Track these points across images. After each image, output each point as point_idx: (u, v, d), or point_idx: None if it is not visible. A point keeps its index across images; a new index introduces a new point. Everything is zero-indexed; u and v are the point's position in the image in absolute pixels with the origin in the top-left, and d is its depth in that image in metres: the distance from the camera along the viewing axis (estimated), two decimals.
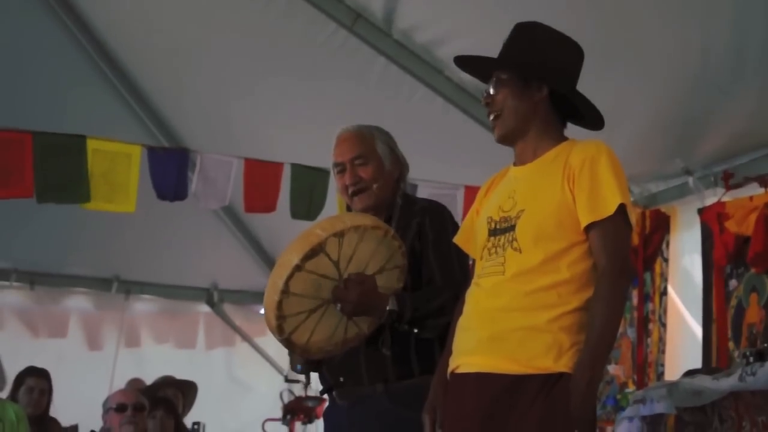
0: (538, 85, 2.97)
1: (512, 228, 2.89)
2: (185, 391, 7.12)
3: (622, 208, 2.81)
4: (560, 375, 2.74)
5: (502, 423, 2.77)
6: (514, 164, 3.07)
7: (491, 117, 3.03)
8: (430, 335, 3.38)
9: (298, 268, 3.14)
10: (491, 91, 3.02)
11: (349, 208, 3.70)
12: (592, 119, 3.07)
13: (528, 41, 3.02)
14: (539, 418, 2.72)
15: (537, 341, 2.78)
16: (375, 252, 3.29)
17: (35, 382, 6.16)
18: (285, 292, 3.15)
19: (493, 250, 2.93)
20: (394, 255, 3.34)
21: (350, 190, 3.57)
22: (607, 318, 2.74)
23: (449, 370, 2.96)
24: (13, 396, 6.07)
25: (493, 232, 2.95)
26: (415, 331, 3.36)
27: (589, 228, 2.82)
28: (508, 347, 2.81)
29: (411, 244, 3.45)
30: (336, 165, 3.61)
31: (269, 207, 6.27)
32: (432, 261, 3.45)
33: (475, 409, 2.82)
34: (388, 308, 3.31)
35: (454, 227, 3.49)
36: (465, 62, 3.19)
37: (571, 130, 3.10)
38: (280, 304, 3.17)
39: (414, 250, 3.45)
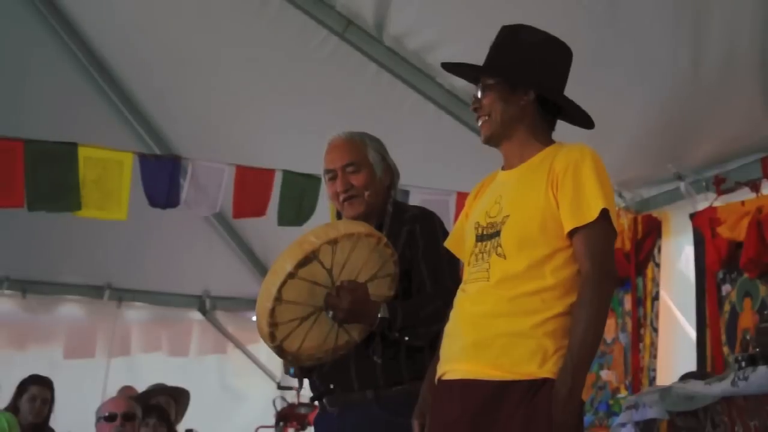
0: (524, 89, 2.98)
1: (497, 234, 2.89)
2: (177, 398, 7.10)
3: (605, 213, 2.79)
4: (544, 381, 2.73)
5: (487, 429, 2.76)
6: (503, 168, 3.07)
7: (479, 121, 3.04)
8: (420, 343, 3.38)
9: (291, 275, 3.15)
10: (479, 95, 3.02)
11: (339, 215, 3.70)
12: (580, 120, 3.07)
13: (513, 44, 3.02)
14: (522, 424, 2.71)
15: (521, 347, 2.77)
16: (367, 260, 3.30)
17: (38, 391, 6.14)
18: (278, 299, 3.16)
19: (479, 256, 2.93)
20: (386, 263, 3.35)
21: (341, 197, 3.56)
22: (590, 323, 2.72)
23: (437, 376, 2.96)
24: (15, 403, 6.05)
25: (480, 238, 2.96)
26: (406, 339, 3.36)
27: (572, 233, 2.82)
28: (491, 354, 2.80)
29: (401, 251, 3.45)
30: (327, 171, 3.61)
31: (258, 211, 6.26)
32: (422, 269, 3.45)
33: (461, 416, 2.81)
34: (379, 316, 3.31)
35: (445, 234, 3.49)
36: (454, 67, 3.19)
37: (565, 132, 3.10)
38: (272, 312, 3.18)
39: (404, 258, 3.45)
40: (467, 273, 2.99)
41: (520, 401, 2.72)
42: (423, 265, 3.45)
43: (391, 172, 3.63)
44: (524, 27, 3.04)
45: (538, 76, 2.98)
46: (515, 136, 3.00)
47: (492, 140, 3.04)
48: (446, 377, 2.91)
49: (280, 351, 3.31)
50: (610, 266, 2.83)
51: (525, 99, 2.98)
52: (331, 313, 3.28)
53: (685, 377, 4.74)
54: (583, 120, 3.06)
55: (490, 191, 3.05)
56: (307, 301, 3.25)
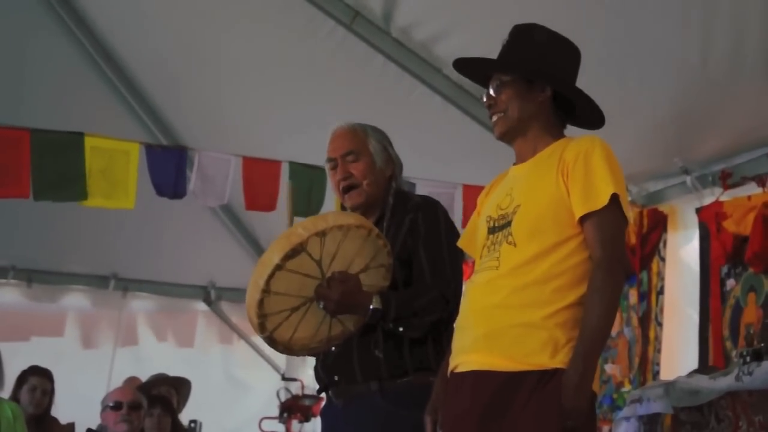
0: (541, 87, 2.99)
1: (509, 224, 2.91)
2: (179, 387, 7.13)
3: (615, 199, 2.81)
4: (555, 371, 2.74)
5: (499, 420, 2.77)
6: (515, 164, 3.08)
7: (494, 118, 3.04)
8: (415, 334, 3.38)
9: (278, 267, 3.15)
10: (492, 93, 3.03)
11: (344, 207, 3.72)
12: (591, 118, 3.07)
13: (528, 43, 3.04)
14: (535, 414, 2.72)
15: (532, 338, 2.78)
16: (360, 250, 3.30)
17: (38, 382, 6.15)
18: (266, 291, 3.17)
19: (491, 248, 2.95)
20: (379, 254, 3.34)
21: (341, 186, 3.59)
22: (602, 309, 2.74)
23: (450, 369, 2.97)
24: (15, 395, 6.06)
25: (492, 230, 2.97)
26: (401, 329, 3.36)
27: (583, 219, 2.83)
28: (503, 344, 2.81)
29: (404, 239, 3.46)
30: (329, 161, 3.65)
31: (270, 206, 6.27)
32: (422, 257, 3.45)
33: (473, 407, 2.82)
34: (372, 307, 3.31)
35: (447, 223, 3.51)
36: (466, 63, 3.19)
37: (572, 127, 3.11)
38: (261, 303, 3.19)
39: (406, 246, 3.46)
40: (478, 265, 3.00)
41: (532, 391, 2.74)
42: (423, 253, 3.45)
43: (393, 163, 3.65)
44: (537, 26, 3.06)
45: (554, 73, 3.00)
46: (530, 133, 3.02)
47: (506, 136, 3.06)
48: (458, 369, 2.92)
49: (271, 341, 3.32)
50: (621, 252, 2.85)
51: (542, 96, 3.00)
52: (322, 303, 3.28)
53: (693, 374, 4.74)
54: (593, 119, 3.07)
55: (502, 186, 3.07)
56: (297, 292, 3.25)
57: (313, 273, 3.25)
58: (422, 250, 3.46)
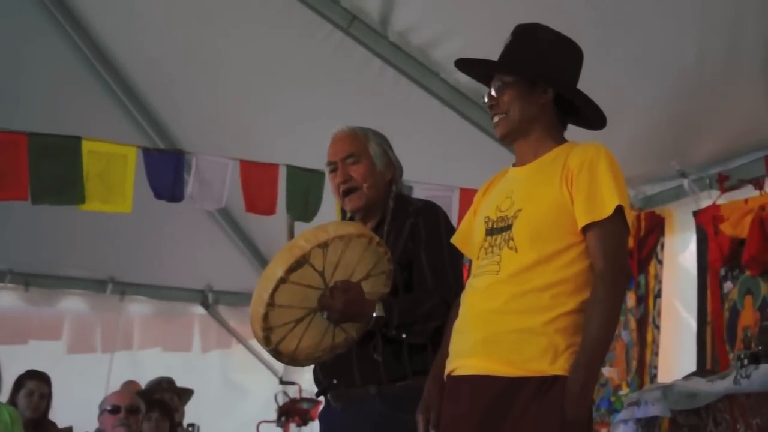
0: (543, 88, 2.98)
1: (509, 227, 2.89)
2: (180, 394, 7.12)
3: (619, 210, 2.80)
4: (555, 378, 2.74)
5: (497, 426, 2.76)
6: (514, 165, 3.07)
7: (495, 119, 3.03)
8: (418, 340, 3.38)
9: (282, 280, 3.16)
10: (494, 94, 3.02)
11: (344, 212, 3.72)
12: (593, 119, 3.07)
13: (531, 43, 3.02)
14: (534, 421, 2.71)
15: (532, 344, 2.77)
16: (361, 259, 3.31)
17: (35, 386, 6.15)
18: (270, 304, 3.18)
19: (489, 250, 2.93)
20: (380, 261, 3.35)
21: (341, 189, 3.59)
22: (604, 320, 2.73)
23: (446, 372, 2.96)
24: (13, 399, 6.05)
25: (490, 232, 2.96)
26: (404, 336, 3.36)
27: (586, 229, 2.82)
28: (503, 350, 2.80)
29: (404, 243, 3.46)
30: (329, 164, 3.65)
31: (269, 209, 6.26)
32: (424, 262, 3.45)
33: (471, 412, 2.81)
34: (374, 314, 3.31)
35: (448, 227, 3.50)
36: (467, 64, 3.17)
37: (571, 130, 3.10)
38: (266, 317, 3.20)
39: (407, 250, 3.46)
40: (476, 267, 2.99)
41: (532, 398, 2.73)
42: (424, 257, 3.45)
43: (393, 167, 3.64)
44: (539, 26, 3.05)
45: (557, 74, 2.99)
46: (531, 134, 3.01)
47: (508, 137, 3.04)
48: (456, 373, 2.91)
49: (276, 353, 3.33)
50: (623, 263, 2.86)
51: (544, 98, 2.98)
52: (325, 313, 3.29)
53: (690, 377, 4.74)
54: (595, 121, 3.07)
55: (501, 187, 3.06)
56: (300, 303, 3.26)
57: (316, 284, 3.26)
58: (423, 254, 3.46)
